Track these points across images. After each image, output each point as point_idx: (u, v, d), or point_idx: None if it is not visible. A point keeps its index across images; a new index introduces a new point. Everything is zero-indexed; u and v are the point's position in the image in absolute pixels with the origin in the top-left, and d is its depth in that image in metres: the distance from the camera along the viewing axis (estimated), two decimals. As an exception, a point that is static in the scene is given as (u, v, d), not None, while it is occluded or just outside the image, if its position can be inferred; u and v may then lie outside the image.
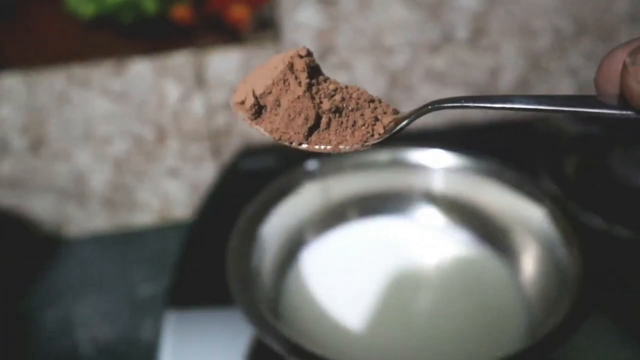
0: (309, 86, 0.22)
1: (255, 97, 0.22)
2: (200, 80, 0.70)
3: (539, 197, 0.38)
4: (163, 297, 0.59)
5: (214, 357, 0.43)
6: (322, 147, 0.23)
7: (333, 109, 0.22)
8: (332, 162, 0.44)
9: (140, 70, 0.68)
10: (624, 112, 0.22)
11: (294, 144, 0.23)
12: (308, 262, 0.43)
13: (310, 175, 0.43)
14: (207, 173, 0.77)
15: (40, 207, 0.76)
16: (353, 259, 0.43)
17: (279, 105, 0.22)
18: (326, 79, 0.23)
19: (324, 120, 0.22)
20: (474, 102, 0.23)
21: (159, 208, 0.79)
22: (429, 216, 0.44)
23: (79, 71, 0.67)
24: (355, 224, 0.45)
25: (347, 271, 0.42)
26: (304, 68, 0.22)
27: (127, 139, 0.73)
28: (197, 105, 0.72)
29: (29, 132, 0.70)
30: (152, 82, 0.69)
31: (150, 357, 0.60)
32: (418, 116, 0.23)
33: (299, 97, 0.22)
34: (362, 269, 0.41)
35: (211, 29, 0.73)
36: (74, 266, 0.74)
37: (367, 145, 0.23)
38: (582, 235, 0.34)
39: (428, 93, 0.77)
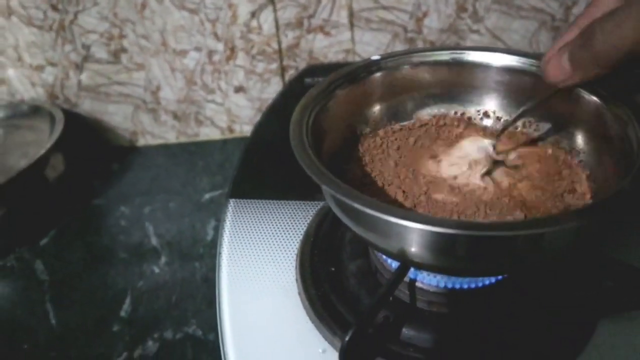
0: None
1: None
2: (271, -4, 0.72)
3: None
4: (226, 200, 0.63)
5: (266, 237, 0.48)
6: None
7: None
8: (397, 58, 0.45)
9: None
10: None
11: None
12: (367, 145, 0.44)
13: (379, 67, 0.44)
14: (274, 90, 0.80)
15: (117, 116, 0.81)
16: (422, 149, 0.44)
17: None
18: None
19: None
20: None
21: (226, 123, 0.83)
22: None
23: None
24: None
25: (410, 159, 0.42)
26: None
27: (199, 53, 0.76)
28: (268, 22, 0.74)
29: (112, 42, 0.74)
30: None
31: (212, 254, 0.64)
32: None
33: None
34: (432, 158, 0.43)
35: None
36: (145, 172, 0.79)
37: None
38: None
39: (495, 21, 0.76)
